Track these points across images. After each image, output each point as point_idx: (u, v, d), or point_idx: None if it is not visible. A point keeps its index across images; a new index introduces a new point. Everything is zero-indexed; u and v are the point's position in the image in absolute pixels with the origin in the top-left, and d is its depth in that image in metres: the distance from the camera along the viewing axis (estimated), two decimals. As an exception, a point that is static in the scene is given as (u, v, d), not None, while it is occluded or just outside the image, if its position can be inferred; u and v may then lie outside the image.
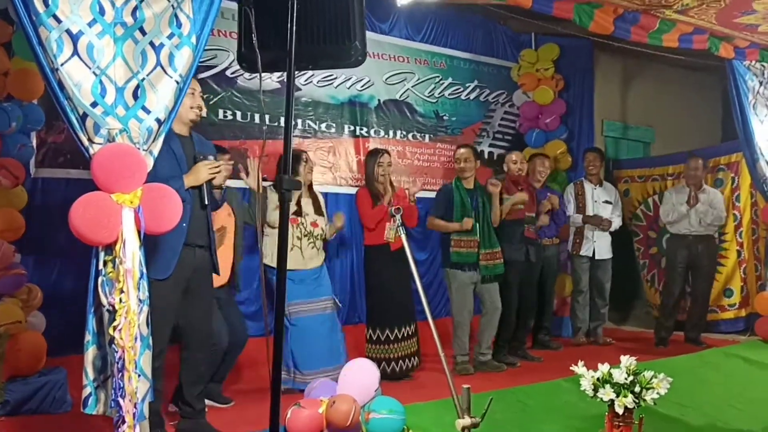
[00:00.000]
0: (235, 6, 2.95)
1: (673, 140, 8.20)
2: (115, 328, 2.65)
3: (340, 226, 5.03)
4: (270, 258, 4.64)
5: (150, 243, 3.03)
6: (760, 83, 6.01)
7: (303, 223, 4.76)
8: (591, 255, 6.47)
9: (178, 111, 3.11)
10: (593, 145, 7.24)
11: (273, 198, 4.64)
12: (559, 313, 6.86)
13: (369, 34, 6.04)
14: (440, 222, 5.34)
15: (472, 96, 7.00)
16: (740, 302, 6.80)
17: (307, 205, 4.83)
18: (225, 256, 4.29)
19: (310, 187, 4.94)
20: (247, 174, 4.47)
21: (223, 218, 4.36)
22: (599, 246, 6.49)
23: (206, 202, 3.45)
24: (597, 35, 5.59)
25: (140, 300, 2.73)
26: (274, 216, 4.58)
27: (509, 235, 5.58)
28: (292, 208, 4.61)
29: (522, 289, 5.69)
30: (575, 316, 6.56)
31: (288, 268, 4.37)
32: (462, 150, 5.48)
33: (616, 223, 6.58)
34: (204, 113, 3.70)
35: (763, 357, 5.40)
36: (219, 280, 4.04)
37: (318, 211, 4.90)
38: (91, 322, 2.75)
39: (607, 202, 6.58)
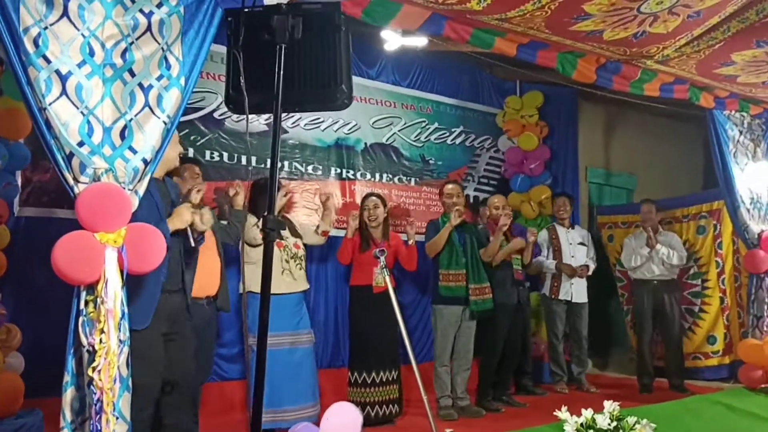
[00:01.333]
0: (224, 49, 2.99)
1: (655, 187, 8.31)
2: (94, 369, 2.62)
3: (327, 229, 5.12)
4: (254, 284, 4.60)
5: (129, 290, 3.01)
6: (740, 132, 6.12)
7: (287, 246, 4.82)
8: (569, 298, 6.48)
9: (166, 157, 3.17)
10: (577, 192, 7.32)
11: (251, 219, 4.71)
12: (543, 359, 6.84)
13: (357, 79, 6.16)
14: (433, 239, 5.31)
15: (457, 141, 7.08)
16: (723, 349, 6.81)
17: (285, 229, 4.90)
18: (212, 266, 4.29)
19: (281, 211, 5.01)
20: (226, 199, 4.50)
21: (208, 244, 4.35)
22: (576, 290, 6.51)
23: (193, 245, 3.43)
24: (580, 84, 5.70)
25: (120, 341, 2.70)
26: (253, 232, 4.63)
27: (501, 279, 5.58)
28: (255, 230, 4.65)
29: (510, 333, 5.66)
30: (555, 362, 6.53)
31: (280, 291, 4.46)
32: (451, 186, 5.55)
33: (591, 266, 6.62)
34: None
35: (747, 405, 5.38)
36: (205, 289, 4.03)
37: (296, 233, 4.96)
38: (71, 363, 2.71)
39: (581, 243, 6.63)
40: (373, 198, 5.32)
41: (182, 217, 3.36)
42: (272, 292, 2.56)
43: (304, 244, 5.01)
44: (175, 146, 3.54)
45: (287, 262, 4.79)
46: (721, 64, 5.10)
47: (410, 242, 5.35)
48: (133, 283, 2.92)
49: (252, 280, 4.49)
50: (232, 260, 4.98)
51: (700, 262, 6.94)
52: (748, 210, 6.01)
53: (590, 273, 6.58)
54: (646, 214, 6.51)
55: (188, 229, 3.40)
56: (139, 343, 3.00)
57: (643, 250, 6.38)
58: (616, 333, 7.90)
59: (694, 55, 4.94)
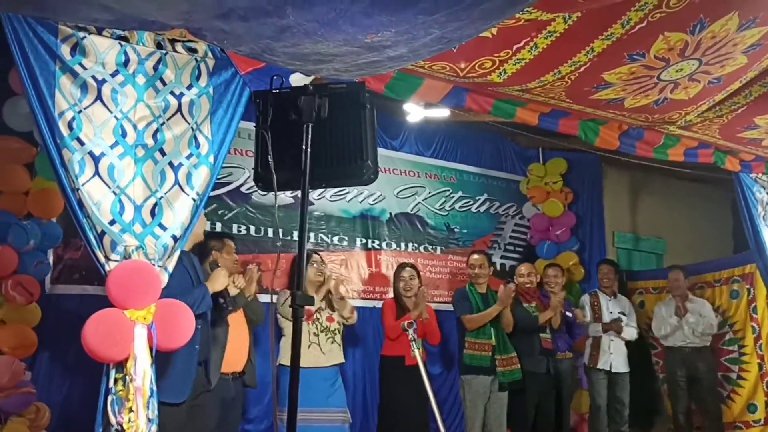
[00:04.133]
0: (250, 125, 3.07)
1: (685, 251, 8.19)
2: (122, 449, 2.60)
3: (347, 317, 4.92)
4: (284, 357, 4.56)
5: (162, 365, 3.04)
6: (768, 194, 6.07)
7: (318, 319, 4.76)
8: (608, 368, 6.32)
9: (196, 233, 3.28)
10: (606, 257, 7.24)
11: (284, 293, 4.70)
12: (577, 431, 6.64)
13: (380, 150, 6.17)
14: (477, 315, 5.24)
15: (482, 209, 7.09)
16: (765, 417, 6.57)
17: (319, 301, 4.83)
18: (240, 342, 4.27)
19: (321, 285, 4.93)
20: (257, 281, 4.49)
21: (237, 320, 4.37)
22: (616, 359, 6.34)
23: (229, 307, 3.49)
24: (603, 150, 5.71)
25: (149, 419, 2.69)
26: (285, 309, 4.55)
27: (529, 347, 5.48)
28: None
29: (540, 403, 5.53)
30: (595, 432, 6.34)
31: (308, 365, 4.41)
32: (476, 256, 5.52)
33: (633, 333, 6.48)
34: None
35: (793, 476, 5.18)
36: (233, 365, 4.05)
37: (331, 306, 4.88)
38: (99, 443, 2.70)
39: (621, 313, 6.50)
40: (409, 269, 5.33)
41: (219, 280, 3.43)
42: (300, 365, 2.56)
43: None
44: (202, 223, 3.63)
45: (316, 335, 4.72)
46: (744, 128, 5.10)
47: (424, 318, 5.18)
48: (167, 357, 2.95)
49: (284, 353, 4.55)
50: (267, 334, 4.97)
51: (735, 328, 6.76)
52: (782, 273, 5.91)
53: (629, 338, 6.42)
54: (673, 282, 6.42)
55: (225, 292, 3.47)
56: (176, 415, 3.03)
57: (672, 318, 6.26)
58: (652, 402, 7.67)
59: (717, 120, 4.95)
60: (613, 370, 6.30)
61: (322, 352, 4.71)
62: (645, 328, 7.40)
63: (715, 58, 3.98)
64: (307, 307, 4.60)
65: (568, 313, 5.88)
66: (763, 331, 6.64)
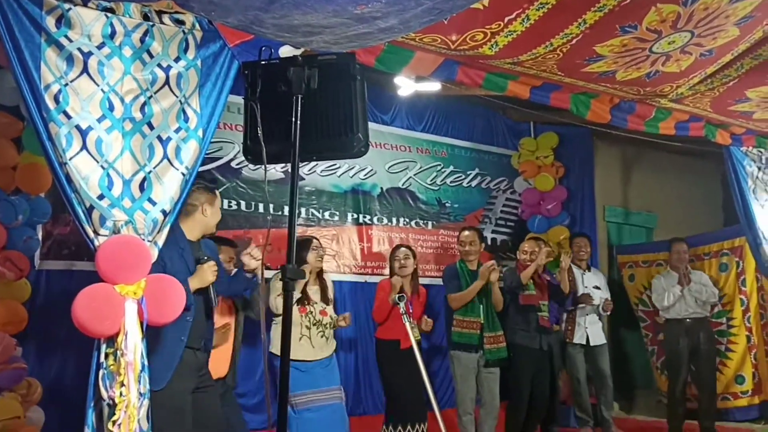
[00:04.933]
0: (240, 100, 3.04)
1: (675, 225, 8.23)
2: (114, 423, 2.61)
3: (342, 326, 4.90)
4: (275, 346, 4.57)
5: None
6: (759, 168, 6.07)
7: (312, 312, 4.69)
8: (584, 342, 6.34)
9: (207, 222, 3.43)
10: (596, 231, 7.26)
11: (276, 285, 4.60)
12: (568, 403, 6.71)
13: (371, 125, 6.16)
14: (461, 293, 5.25)
15: (473, 183, 7.09)
16: (753, 389, 6.65)
17: (315, 293, 4.77)
18: (224, 349, 4.24)
19: (319, 274, 4.89)
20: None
21: (226, 315, 4.33)
22: (592, 332, 6.36)
23: (213, 305, 3.43)
24: (595, 123, 5.70)
25: (141, 393, 2.69)
26: (277, 302, 4.52)
27: (525, 322, 5.47)
28: (297, 295, 4.56)
29: (535, 379, 5.53)
30: (579, 407, 6.39)
31: (298, 358, 4.43)
32: (467, 232, 5.51)
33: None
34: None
35: (780, 446, 5.25)
36: (216, 372, 3.97)
37: (326, 299, 4.83)
38: (91, 417, 2.70)
39: (596, 287, 6.51)
40: (404, 249, 5.28)
41: (203, 277, 3.36)
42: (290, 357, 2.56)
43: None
44: (216, 214, 3.58)
45: (308, 328, 4.64)
46: (735, 101, 5.09)
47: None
48: (153, 341, 2.94)
49: (275, 342, 4.54)
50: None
51: (724, 300, 6.81)
52: (771, 246, 5.94)
53: (605, 311, 6.47)
54: (679, 254, 6.36)
55: (210, 288, 3.41)
56: (169, 401, 3.02)
57: (674, 288, 6.24)
58: (641, 375, 7.75)
59: (709, 93, 4.94)
60: (590, 343, 6.33)
61: (312, 345, 4.64)
62: (635, 301, 7.46)
63: (707, 30, 3.96)
64: (301, 300, 4.62)
65: (549, 277, 5.81)
66: (752, 303, 6.71)
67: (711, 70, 4.54)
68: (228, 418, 4.12)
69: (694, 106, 5.19)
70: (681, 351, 6.23)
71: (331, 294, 4.93)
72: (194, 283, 3.30)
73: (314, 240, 4.90)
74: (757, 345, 6.67)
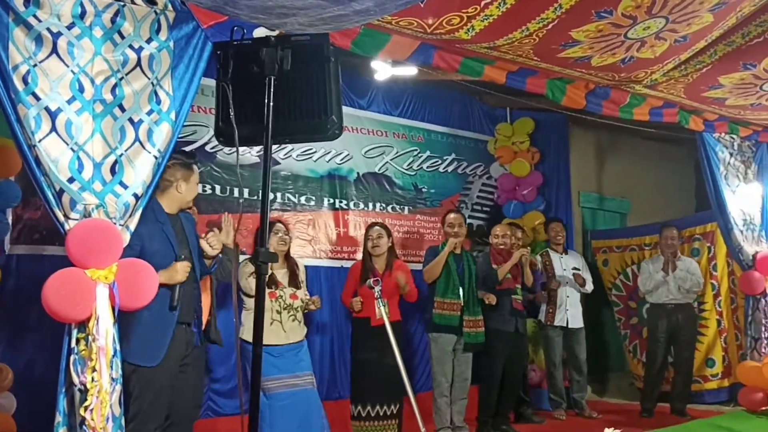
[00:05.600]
0: (214, 83, 2.99)
1: (648, 211, 8.33)
2: (86, 409, 2.58)
3: (312, 309, 4.89)
4: (247, 332, 4.54)
5: (137, 328, 3.06)
6: (731, 154, 6.15)
7: (282, 296, 4.67)
8: (565, 324, 6.41)
9: (183, 198, 3.42)
10: (571, 217, 7.32)
11: (246, 270, 4.61)
12: (541, 386, 6.77)
13: (348, 110, 6.17)
14: (430, 265, 5.29)
15: (450, 168, 7.09)
16: (722, 372, 6.77)
17: (283, 277, 4.74)
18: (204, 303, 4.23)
19: (286, 257, 4.86)
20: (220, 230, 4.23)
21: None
22: (572, 315, 6.43)
23: (175, 304, 3.33)
24: (570, 109, 5.72)
25: (113, 379, 2.67)
26: (250, 283, 4.50)
27: (500, 306, 5.51)
28: None
29: (509, 362, 5.59)
30: (553, 389, 6.47)
31: (269, 343, 4.40)
32: (454, 215, 5.55)
33: (589, 285, 6.57)
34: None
35: (748, 428, 5.35)
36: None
37: (295, 283, 4.79)
38: (62, 403, 2.68)
39: (575, 269, 6.57)
40: (377, 228, 5.25)
41: (174, 275, 3.28)
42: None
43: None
44: (193, 189, 3.54)
45: (278, 313, 4.63)
46: (709, 87, 5.15)
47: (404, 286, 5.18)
48: (136, 319, 2.93)
49: (247, 329, 4.51)
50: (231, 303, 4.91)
51: (696, 285, 6.91)
52: (742, 232, 6.02)
53: (588, 290, 6.53)
54: (669, 239, 6.43)
55: (176, 287, 3.37)
56: (149, 377, 3.01)
57: (657, 274, 6.33)
58: (613, 358, 7.85)
59: (682, 79, 4.98)
60: (570, 326, 6.39)
61: (283, 329, 4.63)
62: (608, 286, 7.54)
63: (681, 16, 3.99)
64: (268, 284, 4.58)
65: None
66: (722, 288, 6.81)
67: (685, 56, 4.58)
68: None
69: (668, 92, 5.23)
70: (660, 335, 6.33)
71: (302, 277, 4.91)
72: (162, 277, 3.19)
73: (277, 224, 4.86)
74: (728, 329, 6.77)
